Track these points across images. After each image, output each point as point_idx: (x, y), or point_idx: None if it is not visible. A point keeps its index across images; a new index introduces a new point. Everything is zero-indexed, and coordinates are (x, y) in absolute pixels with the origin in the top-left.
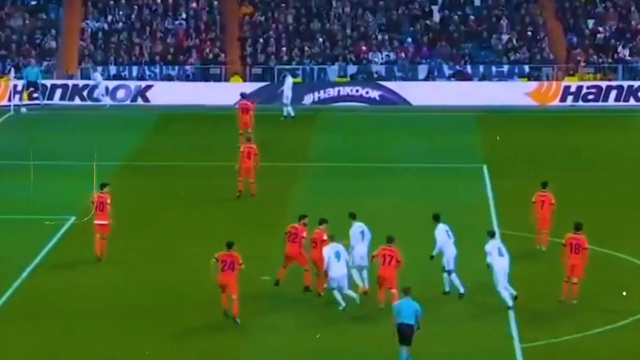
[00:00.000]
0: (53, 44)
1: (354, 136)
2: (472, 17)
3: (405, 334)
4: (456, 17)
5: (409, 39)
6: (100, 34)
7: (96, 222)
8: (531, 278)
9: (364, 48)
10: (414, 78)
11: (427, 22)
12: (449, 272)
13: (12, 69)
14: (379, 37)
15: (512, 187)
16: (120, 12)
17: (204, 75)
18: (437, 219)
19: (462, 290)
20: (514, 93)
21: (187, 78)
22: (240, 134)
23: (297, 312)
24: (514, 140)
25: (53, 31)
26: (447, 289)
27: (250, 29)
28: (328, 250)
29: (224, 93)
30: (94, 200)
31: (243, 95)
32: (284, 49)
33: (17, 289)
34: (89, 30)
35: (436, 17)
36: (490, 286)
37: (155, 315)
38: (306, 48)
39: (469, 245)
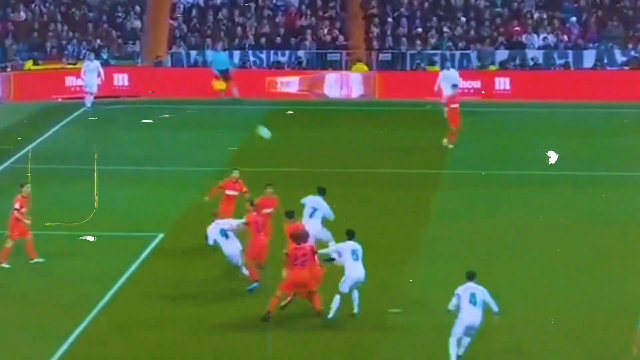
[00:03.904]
0: (137, 23)
1: (503, 137)
2: None
3: None
4: None
5: (573, 18)
6: (194, 12)
7: None
8: None
9: (517, 29)
10: (579, 66)
11: None
12: (340, 293)
13: (88, 54)
14: (536, 15)
15: None
16: None
17: (320, 62)
18: (350, 235)
19: (356, 309)
20: None
21: (299, 65)
22: (452, 133)
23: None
24: None
25: (137, 8)
26: (355, 310)
27: (378, 6)
28: (212, 231)
29: (345, 83)
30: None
31: (456, 86)
32: (418, 30)
33: (92, 319)
34: (181, 6)
35: None
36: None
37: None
38: (445, 29)
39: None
